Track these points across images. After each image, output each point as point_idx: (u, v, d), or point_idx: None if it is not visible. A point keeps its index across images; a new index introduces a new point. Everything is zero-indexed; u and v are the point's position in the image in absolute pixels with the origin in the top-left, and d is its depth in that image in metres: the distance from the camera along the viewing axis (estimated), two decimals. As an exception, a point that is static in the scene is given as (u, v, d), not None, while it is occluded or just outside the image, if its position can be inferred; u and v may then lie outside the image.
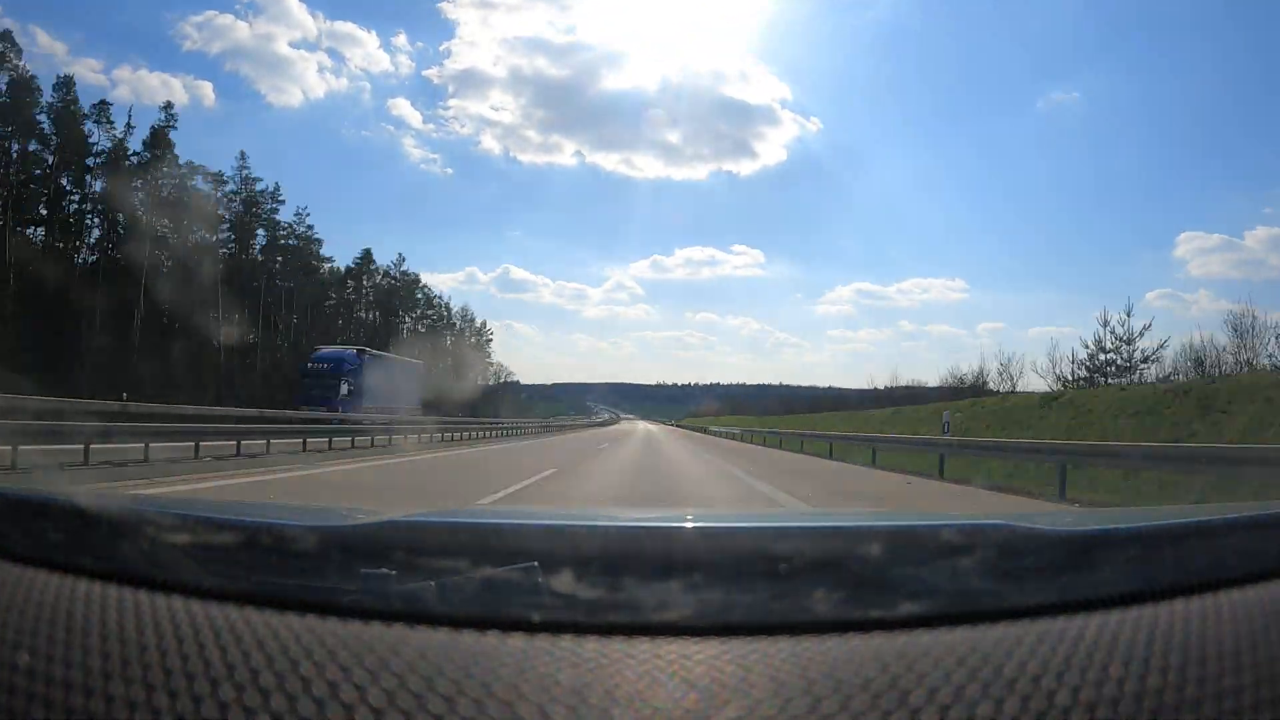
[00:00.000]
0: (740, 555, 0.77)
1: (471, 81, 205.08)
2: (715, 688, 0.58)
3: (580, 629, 0.65)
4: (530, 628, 0.65)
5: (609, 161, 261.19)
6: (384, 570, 0.71)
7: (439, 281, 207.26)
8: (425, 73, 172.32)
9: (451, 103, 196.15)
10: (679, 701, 0.57)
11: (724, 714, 0.56)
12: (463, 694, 0.57)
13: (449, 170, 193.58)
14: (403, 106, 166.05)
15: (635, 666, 0.60)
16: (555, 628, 0.65)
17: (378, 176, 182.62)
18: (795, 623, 0.66)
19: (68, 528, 0.81)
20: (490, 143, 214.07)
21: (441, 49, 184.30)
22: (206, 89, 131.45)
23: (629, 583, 0.70)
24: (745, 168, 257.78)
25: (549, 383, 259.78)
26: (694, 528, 0.92)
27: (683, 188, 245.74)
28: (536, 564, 0.68)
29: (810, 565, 0.73)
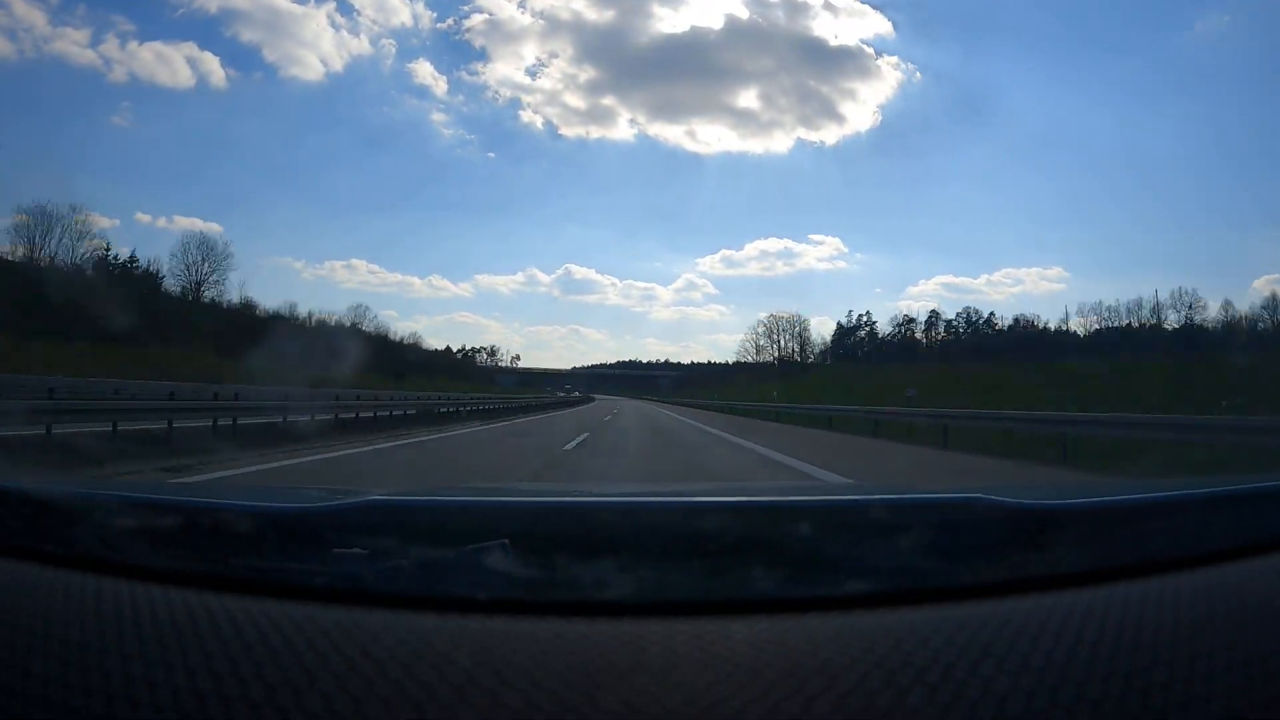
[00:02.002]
0: (662, 532, 0.77)
1: (500, 35, 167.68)
2: (667, 668, 0.59)
3: (523, 608, 0.65)
4: (479, 607, 0.65)
5: (670, 133, 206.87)
6: (356, 551, 0.71)
7: (498, 284, 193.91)
8: (443, 24, 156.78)
9: (479, 67, 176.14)
10: (630, 681, 0.57)
11: (676, 694, 0.56)
12: (414, 675, 0.58)
13: (491, 154, 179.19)
14: (425, 73, 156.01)
15: (589, 646, 0.61)
16: (501, 607, 0.65)
17: (412, 165, 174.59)
18: (744, 600, 0.67)
19: (26, 515, 0.82)
20: (530, 115, 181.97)
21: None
22: (213, 64, 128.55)
23: (562, 561, 0.70)
24: (830, 134, 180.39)
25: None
26: (615, 504, 0.93)
27: (756, 165, 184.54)
28: (506, 542, 0.68)
29: (741, 543, 0.73)
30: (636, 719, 0.55)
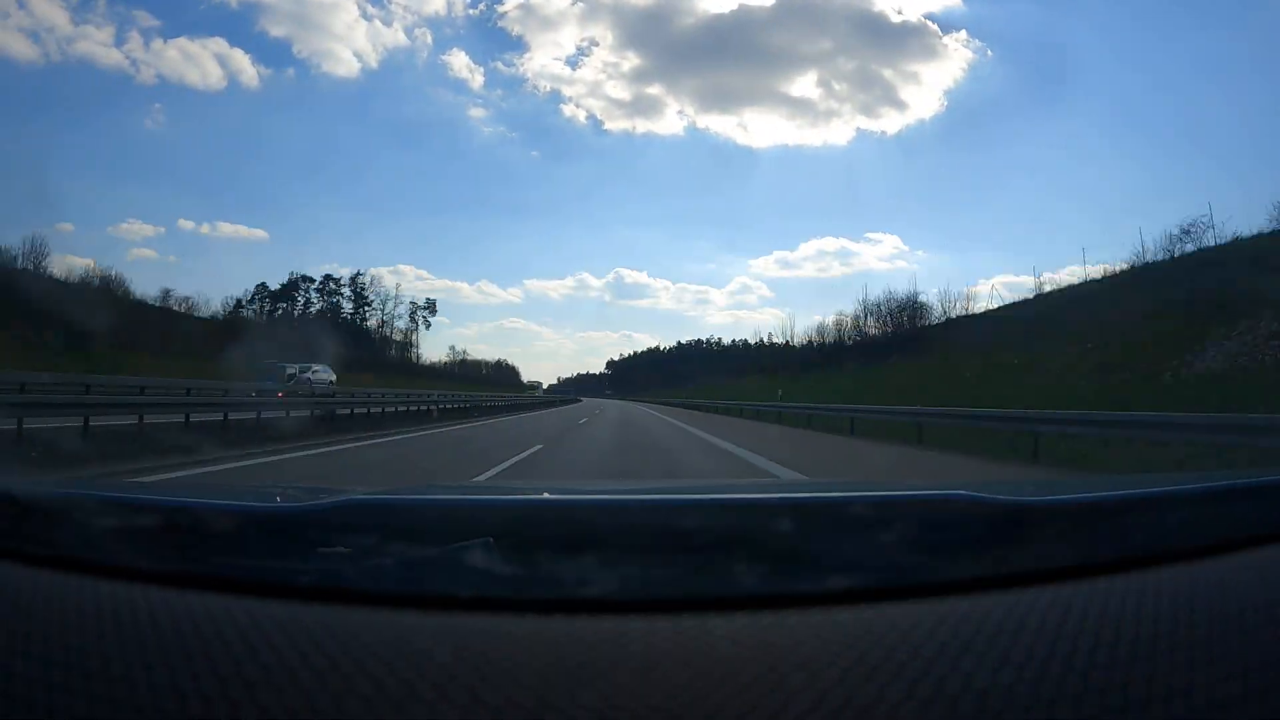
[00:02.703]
0: (643, 530, 0.77)
1: (537, 21, 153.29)
2: (646, 665, 0.59)
3: (504, 606, 0.66)
4: (461, 605, 0.66)
5: (721, 125, 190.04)
6: (339, 550, 0.71)
7: (548, 289, 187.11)
8: (476, 10, 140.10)
9: (517, 58, 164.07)
10: (610, 678, 0.58)
11: (655, 690, 0.57)
12: (395, 672, 0.58)
13: (534, 152, 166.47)
14: (461, 65, 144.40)
15: (569, 643, 0.61)
16: (483, 605, 0.66)
17: (454, 165, 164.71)
18: (726, 597, 0.67)
19: (8, 515, 0.81)
20: (572, 110, 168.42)
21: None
22: (243, 62, 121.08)
23: (544, 559, 0.71)
24: (891, 123, 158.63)
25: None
26: (597, 502, 0.93)
27: (812, 158, 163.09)
28: (491, 540, 0.68)
29: (723, 540, 0.73)
30: (615, 715, 0.55)
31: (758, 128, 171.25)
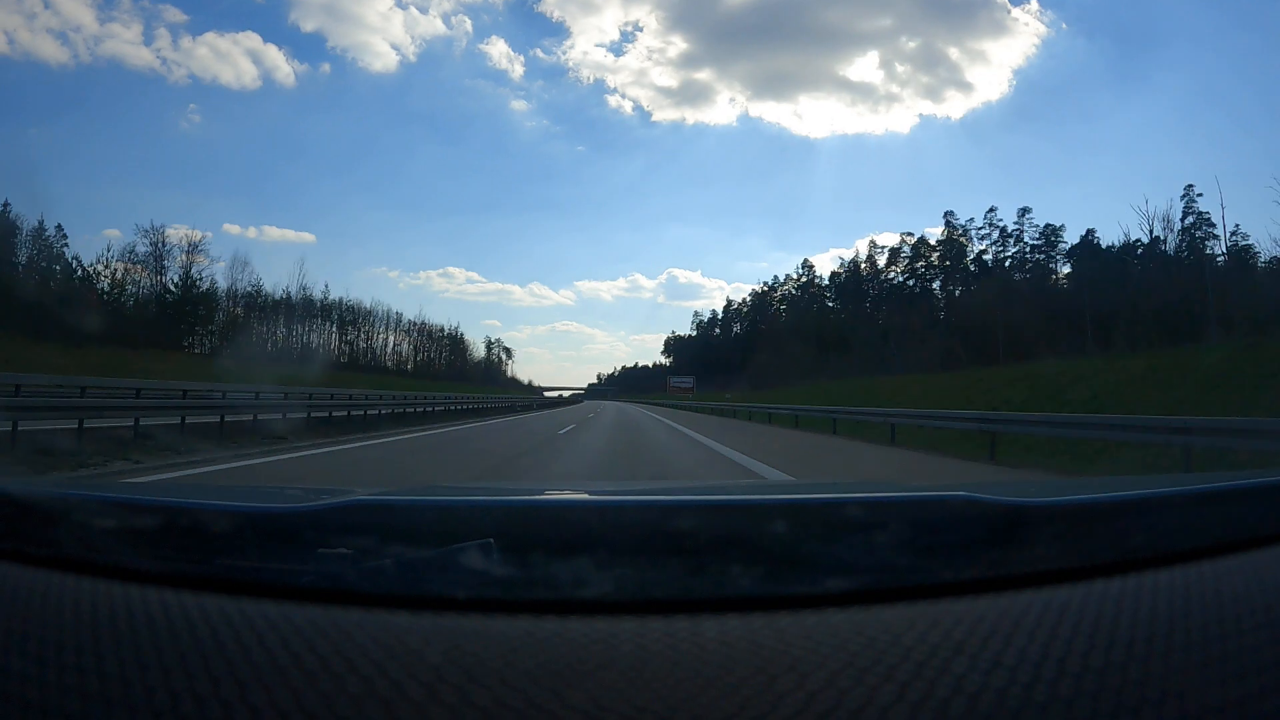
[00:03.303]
0: (638, 531, 0.77)
1: (577, 3, 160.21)
2: (637, 666, 0.59)
3: (499, 607, 0.66)
4: (457, 606, 0.66)
5: (776, 113, 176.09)
6: (340, 551, 0.71)
7: (600, 290, 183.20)
8: None
9: (558, 47, 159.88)
10: (599, 679, 0.58)
11: (645, 691, 0.57)
12: (385, 672, 0.58)
13: (580, 147, 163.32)
14: (501, 54, 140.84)
15: (560, 644, 0.61)
16: (478, 606, 0.66)
17: (498, 162, 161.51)
18: (720, 599, 0.67)
19: (7, 516, 0.81)
20: (618, 100, 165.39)
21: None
22: (277, 59, 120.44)
23: (539, 560, 0.70)
24: (955, 107, 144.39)
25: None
26: (593, 503, 0.94)
27: (873, 147, 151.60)
28: (491, 541, 0.69)
29: (717, 542, 0.73)
30: (603, 716, 0.55)
31: (814, 115, 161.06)
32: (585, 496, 1.17)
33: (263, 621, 0.63)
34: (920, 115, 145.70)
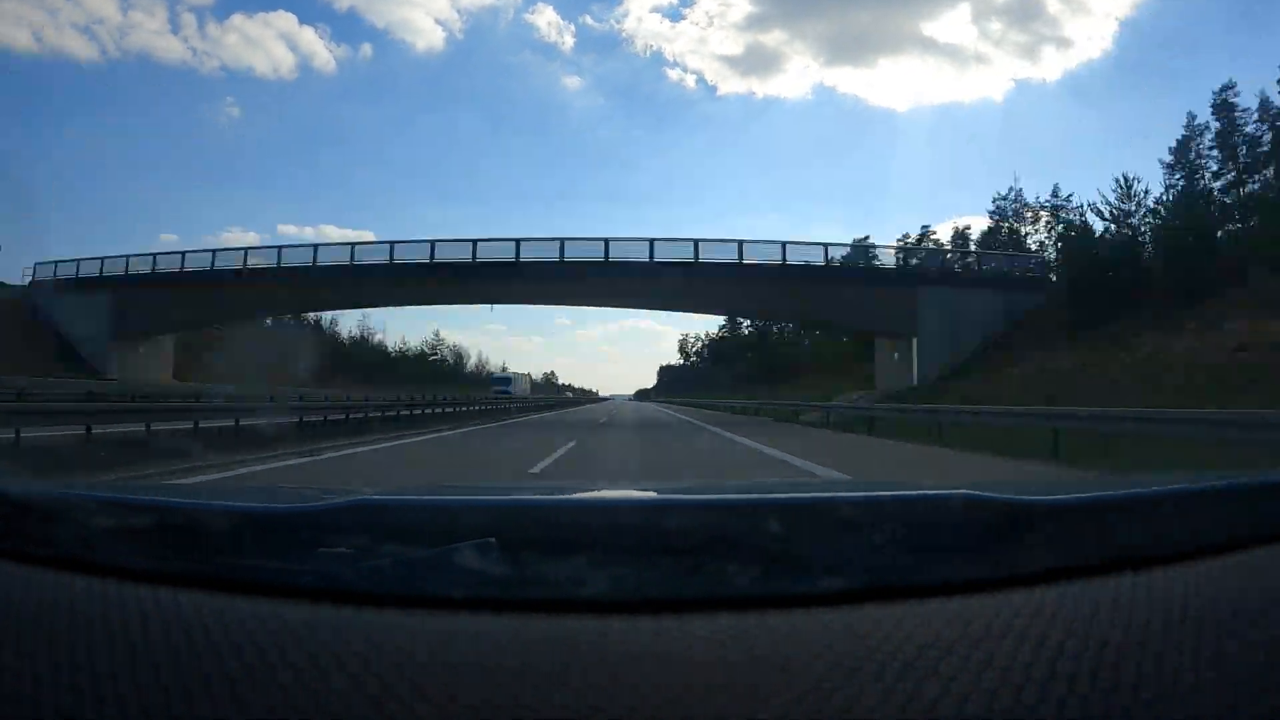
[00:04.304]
0: (631, 531, 0.77)
1: None
2: (624, 666, 0.59)
3: (489, 606, 0.66)
4: (452, 605, 0.66)
5: (853, 81, 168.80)
6: (341, 550, 0.72)
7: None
8: None
9: (604, 12, 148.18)
10: (586, 678, 0.58)
11: (632, 691, 0.57)
12: (372, 670, 0.59)
13: (637, 130, 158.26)
14: (548, 23, 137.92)
15: (548, 643, 0.61)
16: (470, 605, 0.66)
17: (551, 149, 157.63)
18: (713, 598, 0.67)
19: (6, 515, 0.82)
20: (678, 74, 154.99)
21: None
22: (314, 43, 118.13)
23: (531, 560, 0.71)
24: (1050, 69, 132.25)
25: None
26: (588, 502, 0.95)
27: (958, 117, 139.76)
28: (493, 540, 0.69)
29: (711, 541, 0.73)
30: (590, 715, 0.55)
31: (896, 83, 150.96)
32: (581, 496, 1.18)
33: (257, 620, 0.64)
34: (1014, 80, 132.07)
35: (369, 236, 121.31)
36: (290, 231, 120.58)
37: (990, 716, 0.54)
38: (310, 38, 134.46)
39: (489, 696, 0.56)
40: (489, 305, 36.18)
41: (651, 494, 1.16)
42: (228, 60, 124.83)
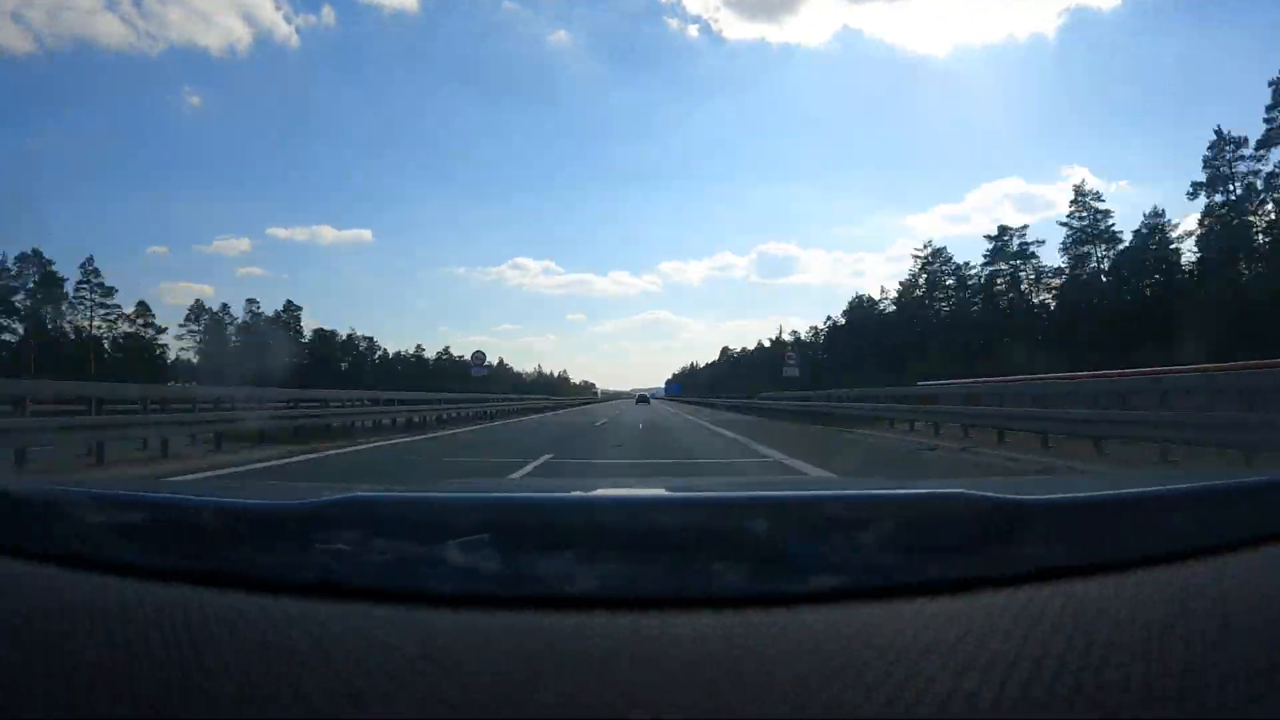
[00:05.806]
0: (622, 529, 0.78)
1: None
2: (607, 663, 0.59)
3: (479, 602, 0.67)
4: (443, 601, 0.67)
5: (881, 22, 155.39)
6: (335, 547, 0.72)
7: (687, 272, 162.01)
8: None
9: None
10: (570, 675, 0.58)
11: (612, 688, 0.57)
12: (360, 664, 0.59)
13: (638, 92, 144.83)
14: None
15: (532, 640, 0.62)
16: (461, 601, 0.67)
17: (549, 123, 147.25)
18: (698, 597, 0.67)
19: (4, 512, 0.84)
20: (678, 24, 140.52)
21: None
22: (268, 10, 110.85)
23: (523, 557, 0.71)
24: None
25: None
26: (581, 500, 0.95)
27: (998, 58, 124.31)
28: (479, 537, 0.70)
29: (699, 540, 0.73)
30: (573, 712, 0.55)
31: (923, 25, 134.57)
32: (573, 494, 1.18)
33: (251, 615, 0.65)
34: (1064, 10, 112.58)
35: (365, 236, 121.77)
36: (280, 234, 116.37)
37: (974, 716, 0.54)
38: (265, 6, 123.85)
39: (471, 691, 0.57)
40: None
41: (643, 492, 1.17)
42: (176, 39, 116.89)
